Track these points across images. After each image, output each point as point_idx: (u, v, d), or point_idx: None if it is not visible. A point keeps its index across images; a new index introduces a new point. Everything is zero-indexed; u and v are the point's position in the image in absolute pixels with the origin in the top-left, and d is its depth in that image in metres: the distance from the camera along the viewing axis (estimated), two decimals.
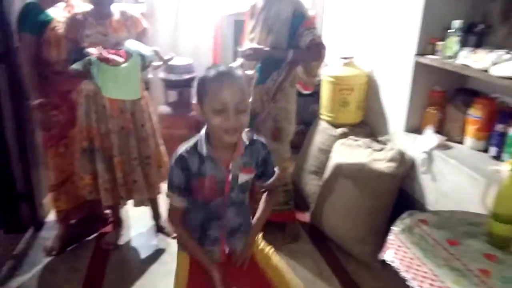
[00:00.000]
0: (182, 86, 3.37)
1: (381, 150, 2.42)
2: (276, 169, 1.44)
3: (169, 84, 3.35)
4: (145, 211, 2.65)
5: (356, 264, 2.30)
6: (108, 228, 2.59)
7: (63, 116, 2.31)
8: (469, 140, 2.13)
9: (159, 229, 2.60)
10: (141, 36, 2.28)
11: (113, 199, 2.30)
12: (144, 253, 2.42)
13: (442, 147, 2.14)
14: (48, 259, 2.33)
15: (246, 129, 1.30)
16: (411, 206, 2.05)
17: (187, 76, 3.31)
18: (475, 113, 2.07)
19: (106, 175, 2.24)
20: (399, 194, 2.33)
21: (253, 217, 1.49)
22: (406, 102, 2.40)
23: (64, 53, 2.17)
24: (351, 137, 2.61)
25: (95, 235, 2.55)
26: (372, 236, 2.27)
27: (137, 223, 2.69)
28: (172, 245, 2.48)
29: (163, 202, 2.63)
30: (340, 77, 2.73)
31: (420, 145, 2.20)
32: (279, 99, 2.28)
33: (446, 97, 2.31)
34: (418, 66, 2.30)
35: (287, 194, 2.52)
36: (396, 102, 2.50)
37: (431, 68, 2.24)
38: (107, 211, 2.61)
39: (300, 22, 2.15)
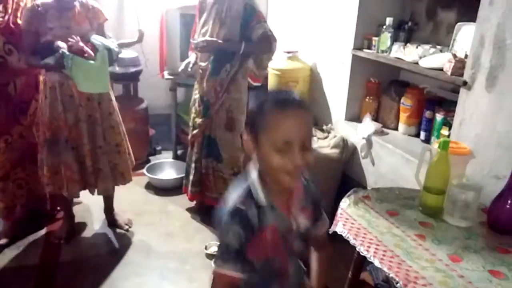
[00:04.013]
0: (127, 79, 3.34)
1: (325, 138, 2.60)
2: (325, 215, 1.23)
3: (114, 77, 3.29)
4: (97, 205, 2.63)
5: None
6: (56, 224, 2.53)
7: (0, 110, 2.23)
8: (402, 126, 2.36)
9: (111, 222, 2.58)
10: (101, 27, 2.28)
11: (79, 190, 2.30)
12: (97, 246, 2.41)
13: (379, 133, 2.36)
14: None
15: None
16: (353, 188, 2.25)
17: (132, 69, 3.29)
18: (406, 102, 2.30)
19: (74, 165, 2.23)
20: (342, 178, 2.53)
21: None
22: (345, 93, 2.60)
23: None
24: None
25: (43, 231, 2.48)
26: None
27: (88, 218, 2.65)
28: (126, 236, 2.49)
29: (120, 195, 2.62)
30: (285, 70, 2.88)
31: (360, 132, 2.41)
32: (232, 90, 2.38)
33: (381, 88, 2.54)
34: (356, 60, 2.51)
35: None
36: (337, 93, 2.70)
37: (367, 61, 2.45)
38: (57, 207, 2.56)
39: (251, 15, 2.26)
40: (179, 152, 3.52)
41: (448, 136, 1.93)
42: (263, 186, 1.04)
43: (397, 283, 1.21)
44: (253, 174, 1.06)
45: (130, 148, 2.49)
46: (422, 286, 1.18)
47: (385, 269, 1.26)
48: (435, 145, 1.91)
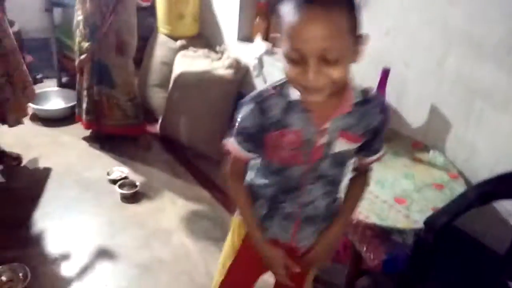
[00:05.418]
0: None
1: (219, 59, 2.66)
2: (382, 147, 1.04)
3: None
4: None
5: (206, 162, 2.61)
6: None
7: None
8: None
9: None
10: None
11: None
12: None
13: (269, 52, 2.49)
14: None
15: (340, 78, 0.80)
16: None
17: None
18: None
19: None
20: (238, 97, 2.66)
21: None
22: (237, 13, 2.64)
23: None
24: (190, 48, 2.76)
25: None
26: (218, 136, 2.59)
27: None
28: (16, 172, 2.37)
29: (3, 129, 2.41)
30: None
31: (252, 52, 2.51)
32: (120, 11, 2.26)
33: (270, 7, 2.62)
34: None
35: (136, 107, 2.60)
36: (228, 14, 2.72)
37: None
38: None
39: None
40: (63, 79, 3.28)
41: None
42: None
43: None
44: None
45: (29, 80, 2.30)
46: None
47: None
48: None
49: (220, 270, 1.23)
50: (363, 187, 1.10)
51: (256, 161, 1.05)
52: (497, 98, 1.52)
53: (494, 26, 1.48)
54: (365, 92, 0.93)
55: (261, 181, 1.04)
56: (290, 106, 0.90)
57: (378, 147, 1.02)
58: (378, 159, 1.05)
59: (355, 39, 0.79)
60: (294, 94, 0.88)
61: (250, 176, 1.08)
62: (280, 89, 0.91)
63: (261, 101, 0.91)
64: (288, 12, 0.76)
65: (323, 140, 0.92)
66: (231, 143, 0.99)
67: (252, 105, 0.92)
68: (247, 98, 0.94)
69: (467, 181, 1.57)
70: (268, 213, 1.06)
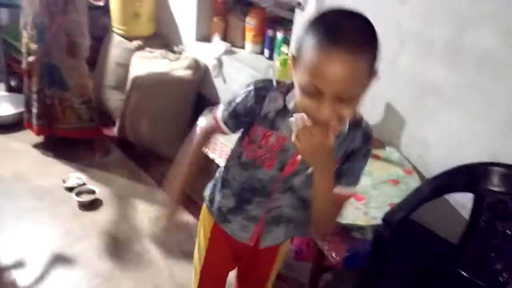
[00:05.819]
0: None
1: (177, 59, 2.61)
2: (356, 184, 0.97)
3: None
4: None
5: (167, 164, 2.55)
6: None
7: None
8: (248, 45, 2.51)
9: None
10: None
11: None
12: None
13: (228, 52, 2.47)
14: None
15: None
16: (208, 106, 2.37)
17: None
18: (250, 22, 2.43)
19: None
20: (197, 98, 2.63)
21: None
22: (194, 13, 2.60)
23: None
24: (147, 49, 2.70)
25: None
26: (178, 137, 2.54)
27: None
28: None
29: None
30: None
31: (211, 52, 2.49)
32: (69, 10, 2.16)
33: (227, 7, 2.61)
34: None
35: (91, 110, 2.51)
36: (185, 13, 2.67)
37: None
38: None
39: None
40: (12, 83, 3.11)
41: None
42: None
43: None
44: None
45: None
46: None
47: None
48: (276, 62, 2.13)
49: (196, 263, 1.26)
50: (336, 210, 0.97)
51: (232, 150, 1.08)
52: (447, 95, 1.59)
53: (443, 26, 1.55)
54: (356, 119, 0.93)
55: (230, 172, 1.07)
56: (285, 112, 0.91)
57: (351, 180, 0.95)
58: (348, 196, 0.96)
59: (371, 75, 0.80)
60: (291, 104, 0.90)
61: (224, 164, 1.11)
62: (284, 88, 0.92)
63: (262, 88, 0.93)
64: (311, 47, 0.75)
65: (300, 156, 0.91)
66: (218, 110, 1.04)
67: (252, 89, 0.94)
68: (253, 81, 0.96)
69: (421, 176, 1.64)
70: (235, 209, 1.08)
